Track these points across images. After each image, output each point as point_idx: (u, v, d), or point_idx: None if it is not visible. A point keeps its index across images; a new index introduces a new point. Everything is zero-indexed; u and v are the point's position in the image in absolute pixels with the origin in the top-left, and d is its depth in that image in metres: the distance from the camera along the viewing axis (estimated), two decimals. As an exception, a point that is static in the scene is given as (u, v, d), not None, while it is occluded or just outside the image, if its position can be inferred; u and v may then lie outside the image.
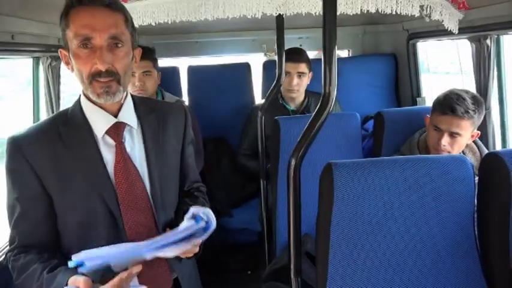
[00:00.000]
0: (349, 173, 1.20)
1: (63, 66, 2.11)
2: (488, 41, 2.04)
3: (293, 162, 1.24)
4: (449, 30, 2.02)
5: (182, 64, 3.26)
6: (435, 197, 1.22)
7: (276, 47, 2.23)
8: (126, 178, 1.16)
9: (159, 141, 1.24)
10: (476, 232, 1.27)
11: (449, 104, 1.74)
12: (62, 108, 2.13)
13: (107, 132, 1.17)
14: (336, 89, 1.19)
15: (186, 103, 2.91)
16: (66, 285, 1.03)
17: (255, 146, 2.49)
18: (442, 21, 1.99)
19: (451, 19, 1.99)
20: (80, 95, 1.18)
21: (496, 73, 2.11)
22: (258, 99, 3.18)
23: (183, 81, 3.16)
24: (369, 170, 1.21)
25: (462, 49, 2.47)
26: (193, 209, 1.12)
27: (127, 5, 1.89)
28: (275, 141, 2.06)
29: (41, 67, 2.05)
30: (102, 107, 1.16)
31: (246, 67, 3.19)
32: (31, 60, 2.07)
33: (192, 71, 3.16)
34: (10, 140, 1.14)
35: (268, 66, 3.11)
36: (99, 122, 1.16)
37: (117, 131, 1.17)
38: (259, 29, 3.15)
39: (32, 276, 1.10)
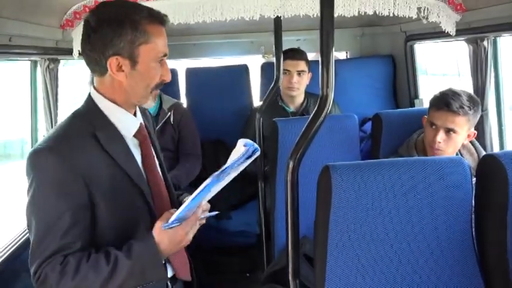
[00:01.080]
0: (347, 175, 1.20)
1: (61, 69, 2.12)
2: (485, 43, 2.04)
3: (291, 164, 1.24)
4: (446, 32, 2.03)
5: (180, 66, 3.26)
6: (433, 199, 1.23)
7: (274, 49, 2.24)
8: (152, 172, 1.26)
9: (153, 138, 1.36)
10: (473, 233, 1.28)
11: (444, 99, 1.77)
12: (59, 111, 2.14)
13: (134, 134, 1.24)
14: (333, 91, 1.19)
15: (185, 105, 2.91)
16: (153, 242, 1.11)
17: (254, 148, 2.49)
18: (440, 23, 1.99)
19: (448, 21, 2.00)
20: (94, 100, 1.20)
21: (493, 75, 2.11)
22: (257, 101, 3.19)
23: (181, 83, 3.16)
24: (366, 172, 1.21)
25: (459, 51, 2.48)
26: (241, 140, 1.22)
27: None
28: (273, 143, 2.06)
29: (38, 70, 2.05)
30: (127, 110, 1.22)
31: (244, 69, 3.19)
32: (29, 63, 2.07)
33: (190, 73, 3.16)
34: (45, 150, 1.10)
35: (266, 68, 3.11)
36: (128, 124, 1.22)
37: (142, 131, 1.26)
38: (257, 31, 3.15)
39: (97, 264, 1.08)
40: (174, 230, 1.12)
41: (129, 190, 1.18)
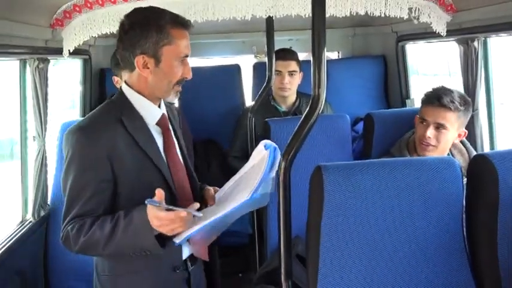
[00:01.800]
0: (339, 175, 1.20)
1: (51, 68, 2.10)
2: (475, 43, 2.06)
3: (283, 164, 1.24)
4: (437, 32, 2.04)
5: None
6: (424, 199, 1.23)
7: (266, 48, 2.24)
8: (173, 160, 1.41)
9: (177, 130, 1.51)
10: (465, 233, 1.28)
11: (436, 94, 1.80)
12: (49, 111, 2.11)
13: (157, 122, 1.39)
14: (325, 91, 1.19)
15: (176, 105, 2.89)
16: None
17: (246, 148, 2.49)
18: (431, 23, 2.01)
19: (439, 21, 2.02)
20: (125, 92, 1.38)
21: (483, 75, 2.13)
22: (249, 101, 3.18)
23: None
24: (358, 172, 1.21)
25: (450, 51, 2.50)
26: (262, 142, 1.38)
27: (114, 8, 1.89)
28: (265, 143, 2.05)
29: (28, 70, 2.02)
30: (152, 102, 1.38)
31: (236, 69, 3.18)
32: (18, 62, 2.04)
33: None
34: (80, 130, 1.29)
35: (258, 68, 3.11)
36: (152, 113, 1.38)
37: (163, 120, 1.41)
38: (249, 31, 3.15)
39: (103, 222, 1.26)
40: (166, 213, 1.19)
41: (149, 170, 1.33)
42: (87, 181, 1.28)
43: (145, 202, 1.20)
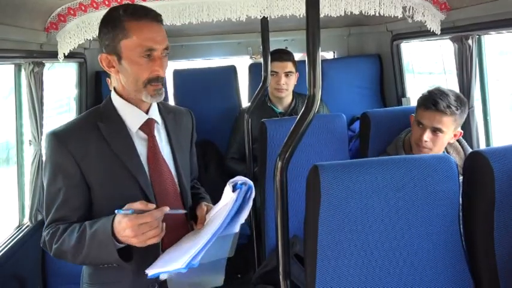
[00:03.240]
0: (336, 174, 1.20)
1: (45, 72, 2.09)
2: (470, 41, 2.07)
3: (279, 164, 1.24)
4: (431, 30, 2.05)
5: (168, 68, 3.24)
6: (421, 197, 1.23)
7: (261, 49, 2.24)
8: (157, 168, 1.32)
9: (178, 138, 1.41)
10: (461, 230, 1.29)
11: (432, 99, 1.78)
12: (45, 114, 2.10)
13: (140, 127, 1.31)
14: (320, 91, 1.19)
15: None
16: (112, 223, 1.15)
17: (243, 149, 2.49)
18: (425, 22, 2.02)
19: (433, 20, 2.03)
20: (111, 95, 1.33)
21: (478, 72, 2.14)
22: (245, 102, 3.18)
23: (169, 85, 3.14)
24: (355, 171, 1.21)
25: (445, 49, 2.51)
26: (231, 181, 1.26)
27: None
28: (262, 144, 2.06)
29: (23, 73, 2.01)
30: (136, 105, 1.31)
31: (232, 70, 3.19)
32: (12, 66, 2.03)
33: (178, 74, 3.14)
34: (52, 134, 1.25)
35: (254, 69, 3.11)
36: (134, 118, 1.31)
37: (149, 126, 1.32)
38: (245, 32, 3.15)
39: (72, 231, 1.22)
40: (122, 216, 1.14)
41: (124, 178, 1.26)
42: (58, 186, 1.25)
43: (115, 212, 1.14)
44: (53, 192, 1.26)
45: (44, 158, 1.29)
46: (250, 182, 1.23)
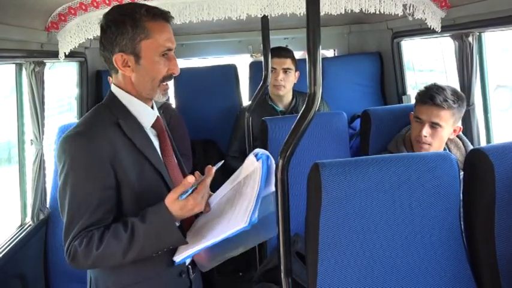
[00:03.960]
0: (337, 172, 1.20)
1: (47, 71, 2.09)
2: (470, 39, 2.07)
3: (280, 162, 1.24)
4: (432, 28, 2.05)
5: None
6: (422, 194, 1.24)
7: (261, 48, 2.24)
8: (171, 163, 1.37)
9: (169, 132, 1.45)
10: (462, 226, 1.29)
11: (429, 93, 1.81)
12: (46, 113, 2.11)
13: (152, 124, 1.34)
14: (321, 89, 1.20)
15: (173, 106, 2.90)
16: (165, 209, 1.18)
17: (244, 148, 2.49)
18: (425, 19, 2.01)
19: (433, 17, 2.02)
20: (115, 93, 1.31)
21: (478, 70, 2.14)
22: (246, 101, 3.18)
23: (170, 83, 3.14)
24: (355, 169, 1.22)
25: (445, 47, 2.51)
26: (253, 152, 1.31)
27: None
28: (263, 142, 2.06)
29: (24, 73, 2.02)
30: (145, 103, 1.32)
31: (232, 68, 3.19)
32: (13, 66, 2.04)
33: (179, 73, 3.14)
34: (77, 135, 1.22)
35: (254, 67, 3.11)
36: (146, 115, 1.32)
37: (159, 122, 1.36)
38: (245, 30, 3.15)
39: (115, 232, 1.18)
40: (186, 200, 1.18)
41: (149, 173, 1.27)
42: (91, 190, 1.19)
43: (179, 199, 1.18)
44: (83, 198, 1.19)
45: (63, 163, 1.20)
46: (267, 152, 1.28)
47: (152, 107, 1.35)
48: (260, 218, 1.16)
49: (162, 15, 1.27)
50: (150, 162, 1.28)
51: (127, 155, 1.24)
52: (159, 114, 1.38)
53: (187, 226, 1.34)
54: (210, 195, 1.36)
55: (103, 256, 1.18)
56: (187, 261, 1.36)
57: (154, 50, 1.25)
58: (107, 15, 1.26)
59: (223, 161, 1.31)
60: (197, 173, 1.25)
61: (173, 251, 1.27)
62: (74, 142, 1.21)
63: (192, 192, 1.19)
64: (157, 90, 1.30)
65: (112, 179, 1.21)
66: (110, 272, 1.29)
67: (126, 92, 1.30)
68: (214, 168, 1.23)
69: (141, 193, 1.25)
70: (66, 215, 1.21)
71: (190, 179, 1.16)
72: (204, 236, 1.21)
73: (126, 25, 1.23)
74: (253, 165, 1.26)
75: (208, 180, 1.22)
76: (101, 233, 1.18)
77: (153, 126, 1.34)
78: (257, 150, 1.31)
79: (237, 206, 1.22)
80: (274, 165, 1.25)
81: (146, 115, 1.32)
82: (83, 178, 1.20)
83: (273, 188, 1.25)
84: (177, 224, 1.22)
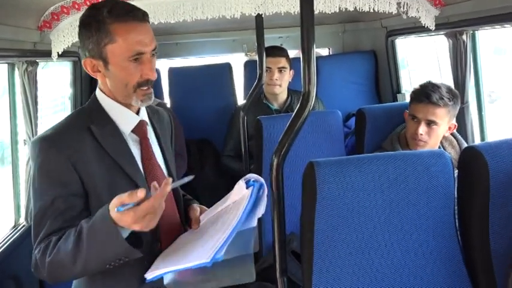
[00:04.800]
0: (331, 171, 1.20)
1: (39, 71, 2.08)
2: (464, 37, 2.07)
3: (275, 161, 1.24)
4: (426, 26, 2.05)
5: (163, 66, 3.24)
6: (416, 192, 1.24)
7: (256, 47, 2.23)
8: (153, 172, 1.25)
9: (165, 139, 1.35)
10: (457, 224, 1.29)
11: (424, 91, 1.81)
12: (40, 114, 2.09)
13: (133, 130, 1.24)
14: (315, 87, 1.20)
15: (168, 105, 2.89)
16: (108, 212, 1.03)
17: (239, 147, 2.49)
18: (419, 18, 2.02)
19: (427, 16, 2.03)
20: (97, 97, 1.24)
21: (472, 68, 2.15)
22: (241, 100, 3.18)
23: (164, 83, 3.14)
24: (350, 167, 1.22)
25: (439, 45, 2.51)
26: (244, 178, 1.20)
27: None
28: (258, 141, 2.06)
29: (16, 73, 2.00)
30: (127, 107, 1.23)
31: (227, 67, 3.18)
32: (6, 66, 2.02)
33: (173, 72, 3.14)
34: (42, 140, 1.16)
35: (249, 66, 3.11)
36: (126, 119, 1.23)
37: (141, 128, 1.25)
38: (239, 29, 3.14)
39: (67, 237, 1.08)
40: (121, 214, 1.01)
41: (122, 183, 1.17)
42: (53, 197, 1.12)
43: (116, 211, 1.01)
44: (46, 204, 1.13)
45: (32, 168, 1.15)
46: (262, 180, 1.17)
47: (138, 112, 1.26)
48: (234, 258, 1.06)
49: (130, 14, 1.13)
50: (123, 170, 1.18)
51: (97, 162, 1.16)
52: (145, 118, 1.28)
53: (166, 238, 1.22)
54: (204, 211, 1.30)
55: (55, 263, 1.09)
56: (166, 280, 1.16)
57: (121, 56, 1.13)
58: (80, 16, 1.18)
59: (192, 177, 1.13)
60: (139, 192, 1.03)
61: (148, 266, 1.14)
62: (38, 147, 1.15)
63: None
64: (133, 96, 1.19)
65: (77, 186, 1.14)
66: (88, 281, 1.20)
67: (107, 95, 1.22)
68: (171, 187, 1.05)
69: (109, 201, 1.11)
70: (33, 221, 1.16)
71: (140, 193, 1.00)
72: (175, 259, 1.12)
73: (91, 28, 1.14)
74: (241, 193, 1.17)
75: (158, 199, 1.02)
76: (57, 239, 1.10)
77: (134, 132, 1.24)
78: (250, 175, 1.20)
79: (212, 235, 1.11)
80: (265, 196, 1.14)
81: (126, 119, 1.23)
82: (47, 184, 1.14)
83: (255, 223, 1.12)
84: (126, 232, 1.06)
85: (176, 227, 1.29)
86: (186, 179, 1.09)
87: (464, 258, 1.28)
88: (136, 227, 1.03)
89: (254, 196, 1.13)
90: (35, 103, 2.03)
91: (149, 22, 1.19)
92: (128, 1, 1.70)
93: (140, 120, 1.25)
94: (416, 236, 1.25)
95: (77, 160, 1.14)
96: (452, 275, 1.25)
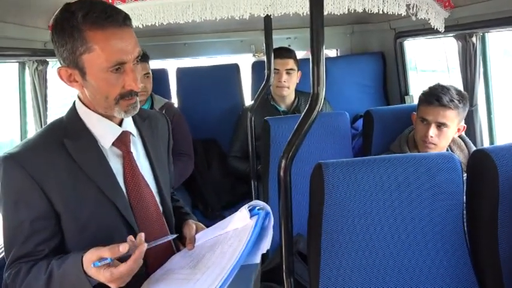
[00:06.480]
0: (339, 172, 1.20)
1: (49, 70, 2.10)
2: (474, 39, 2.06)
3: (283, 162, 1.24)
4: (435, 28, 2.04)
5: (171, 66, 3.25)
6: (424, 195, 1.23)
7: (264, 47, 2.23)
8: (136, 188, 1.14)
9: (156, 148, 1.24)
10: (465, 228, 1.29)
11: (434, 94, 1.80)
12: (49, 112, 2.11)
13: (114, 143, 1.13)
14: (324, 89, 1.19)
15: (176, 105, 2.90)
16: (82, 262, 0.98)
17: (246, 148, 2.49)
18: (428, 20, 2.01)
19: (437, 18, 2.02)
20: (75, 106, 1.14)
21: (482, 70, 2.13)
22: (248, 100, 3.18)
23: (172, 83, 3.15)
24: (358, 169, 1.22)
25: (449, 47, 2.50)
26: (248, 205, 1.09)
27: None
28: (265, 142, 2.06)
29: (27, 71, 2.02)
30: (108, 118, 1.12)
31: (235, 68, 3.18)
32: (17, 64, 2.04)
33: (181, 72, 3.14)
34: (8, 157, 1.05)
35: (257, 67, 3.11)
36: (106, 132, 1.12)
37: (123, 140, 1.14)
38: (248, 30, 3.15)
39: (38, 273, 1.03)
40: (97, 270, 0.97)
41: (97, 201, 1.08)
42: (21, 219, 1.05)
43: (92, 266, 0.96)
44: (15, 226, 1.06)
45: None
46: (268, 208, 1.06)
47: (121, 123, 1.15)
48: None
49: (109, 20, 1.00)
50: (101, 190, 1.08)
51: (70, 181, 1.06)
52: (130, 129, 1.16)
53: (153, 261, 1.15)
54: (200, 228, 1.21)
55: None
56: None
57: (100, 66, 1.01)
58: (53, 18, 1.05)
59: (175, 235, 1.11)
60: (121, 246, 0.98)
61: None
62: (4, 165, 1.05)
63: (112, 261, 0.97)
64: (115, 108, 1.07)
65: (46, 208, 1.05)
66: None
67: (87, 106, 1.11)
68: (146, 247, 0.99)
69: (86, 224, 1.07)
70: (3, 242, 1.09)
71: (122, 248, 0.95)
72: (162, 285, 1.04)
73: (64, 34, 1.01)
74: (244, 221, 1.05)
75: (137, 261, 0.96)
76: (28, 268, 1.05)
77: (116, 145, 1.13)
78: (255, 202, 1.08)
79: (209, 267, 1.01)
80: (271, 227, 1.02)
81: (105, 132, 1.11)
82: (12, 205, 1.06)
83: (258, 259, 1.01)
84: (94, 281, 1.00)
85: (166, 250, 1.19)
86: (170, 237, 1.06)
87: (472, 261, 1.27)
88: (112, 285, 0.98)
89: (259, 227, 1.01)
90: (45, 102, 2.05)
91: (131, 26, 1.06)
92: (138, 2, 1.72)
93: (122, 132, 1.14)
94: (424, 239, 1.24)
95: (45, 181, 1.04)
96: (461, 278, 1.25)
